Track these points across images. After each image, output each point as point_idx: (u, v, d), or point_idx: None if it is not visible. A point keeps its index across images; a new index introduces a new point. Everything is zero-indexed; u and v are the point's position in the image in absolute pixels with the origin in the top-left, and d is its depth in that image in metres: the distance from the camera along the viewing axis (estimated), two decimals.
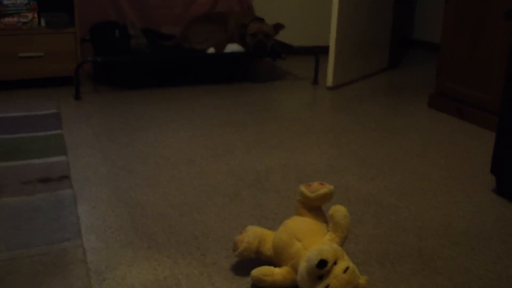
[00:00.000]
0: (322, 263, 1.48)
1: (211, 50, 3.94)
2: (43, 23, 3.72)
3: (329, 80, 3.95)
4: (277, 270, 1.63)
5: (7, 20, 3.57)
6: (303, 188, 1.69)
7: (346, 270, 1.50)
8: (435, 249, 1.88)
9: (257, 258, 1.71)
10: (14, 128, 2.94)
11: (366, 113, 3.43)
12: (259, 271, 1.62)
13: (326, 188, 1.67)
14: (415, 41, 5.80)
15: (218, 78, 4.23)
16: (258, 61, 4.81)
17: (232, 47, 3.98)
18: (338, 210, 1.61)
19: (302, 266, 1.54)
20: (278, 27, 4.05)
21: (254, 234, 1.70)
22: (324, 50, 4.13)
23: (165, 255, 1.80)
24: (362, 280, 1.53)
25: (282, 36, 4.25)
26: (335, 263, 1.50)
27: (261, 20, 4.12)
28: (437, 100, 3.53)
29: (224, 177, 2.42)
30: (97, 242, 1.86)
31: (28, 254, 1.77)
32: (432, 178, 2.48)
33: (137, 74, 4.37)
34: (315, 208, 1.70)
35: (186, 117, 3.24)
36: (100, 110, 3.34)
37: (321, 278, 1.50)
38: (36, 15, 3.65)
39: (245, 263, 1.74)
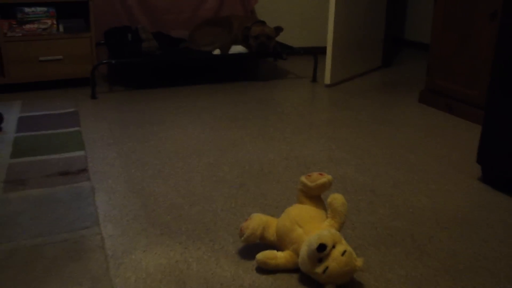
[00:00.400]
0: (321, 247, 1.48)
1: (217, 51, 3.93)
2: (61, 29, 3.72)
3: (327, 78, 3.94)
4: (280, 254, 1.64)
5: (28, 26, 3.57)
6: (303, 178, 1.70)
7: (344, 253, 1.51)
8: (426, 234, 1.88)
9: (261, 243, 1.72)
10: (36, 126, 2.95)
11: (362, 108, 3.43)
12: (263, 255, 1.63)
13: (325, 178, 1.67)
14: (406, 41, 5.78)
15: (224, 77, 4.23)
16: (261, 61, 4.81)
17: (237, 48, 3.97)
18: (336, 198, 1.62)
19: (303, 250, 1.54)
20: (278, 29, 4.02)
21: (258, 221, 1.70)
22: (322, 50, 4.12)
23: (176, 241, 1.81)
24: (359, 262, 1.53)
25: (283, 38, 4.25)
26: (333, 247, 1.51)
27: (263, 22, 4.09)
28: (427, 96, 3.52)
29: (230, 169, 2.42)
30: (114, 230, 1.87)
31: (51, 241, 1.78)
32: (424, 168, 2.48)
33: (149, 74, 4.37)
34: (315, 196, 1.70)
35: (194, 114, 3.25)
36: (115, 108, 3.35)
37: (320, 260, 1.51)
38: (54, 22, 3.65)
39: (251, 248, 1.75)
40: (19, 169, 2.36)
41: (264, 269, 1.64)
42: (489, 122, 2.21)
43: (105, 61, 3.78)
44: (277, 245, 1.69)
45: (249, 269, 1.65)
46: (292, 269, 1.62)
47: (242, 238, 1.69)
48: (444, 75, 3.35)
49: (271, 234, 1.69)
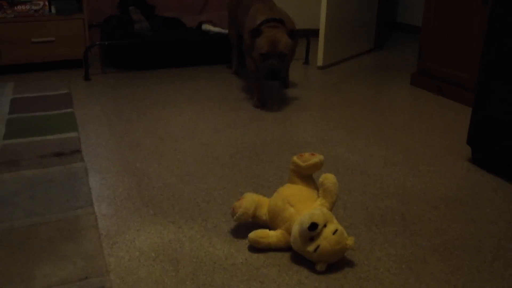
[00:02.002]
0: (313, 226, 1.50)
1: (208, 27, 3.92)
2: (53, 10, 3.68)
3: (320, 60, 3.94)
4: (272, 233, 1.65)
5: (20, 8, 3.54)
6: (295, 158, 1.70)
7: (335, 232, 1.52)
8: (416, 213, 1.90)
9: (253, 222, 1.73)
10: (30, 108, 2.94)
11: (354, 90, 3.43)
12: (255, 234, 1.64)
13: (316, 158, 1.68)
14: (399, 24, 5.77)
15: (217, 59, 4.21)
16: None
17: (207, 27, 3.96)
18: (328, 178, 1.63)
19: (295, 229, 1.56)
20: (293, 33, 2.81)
21: (250, 200, 1.71)
22: (315, 32, 4.11)
23: (169, 220, 1.82)
24: (350, 241, 1.55)
25: None
26: (325, 226, 1.53)
27: (278, 22, 2.85)
28: (418, 79, 3.53)
29: (223, 150, 2.43)
30: (108, 210, 1.88)
31: (45, 221, 1.79)
32: (414, 149, 2.49)
33: (142, 56, 4.34)
34: (307, 176, 1.71)
35: (187, 95, 3.24)
36: (108, 90, 3.34)
37: (312, 239, 1.52)
38: (46, 3, 3.61)
39: (243, 227, 1.77)
40: (13, 150, 2.36)
41: (257, 248, 1.65)
42: (479, 104, 2.23)
43: (97, 43, 3.76)
44: (269, 224, 1.70)
45: (242, 248, 1.66)
46: (284, 248, 1.64)
47: (235, 217, 1.70)
48: (435, 58, 3.36)
49: (263, 213, 1.71)
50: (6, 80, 3.47)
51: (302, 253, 1.56)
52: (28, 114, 2.82)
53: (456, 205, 1.97)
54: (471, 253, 1.66)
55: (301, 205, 1.63)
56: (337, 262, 1.57)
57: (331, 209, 1.62)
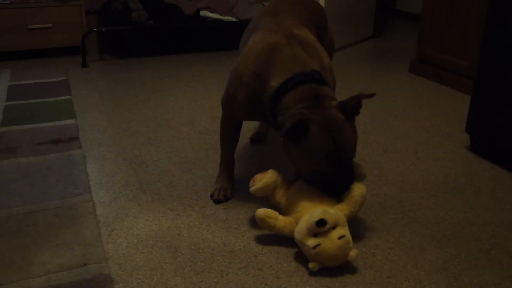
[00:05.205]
0: (321, 222, 1.45)
1: (206, 13, 3.90)
2: None
3: None
4: (281, 217, 1.59)
5: None
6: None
7: (341, 237, 1.47)
8: (414, 201, 1.90)
9: (254, 211, 1.72)
10: (27, 95, 2.92)
11: (353, 77, 3.42)
12: (265, 212, 1.58)
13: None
14: (398, 11, 5.75)
15: (215, 46, 4.19)
16: None
17: (205, 13, 3.94)
18: (359, 188, 1.59)
19: (304, 219, 1.50)
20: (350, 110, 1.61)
21: (273, 178, 1.64)
22: None
23: (168, 207, 1.82)
24: (353, 253, 1.49)
25: None
26: (334, 228, 1.47)
27: (315, 80, 1.69)
28: (417, 66, 3.52)
29: None
30: (106, 197, 1.88)
31: (43, 207, 1.78)
32: (413, 136, 2.49)
33: (139, 43, 4.33)
34: None
35: (185, 82, 3.23)
36: (106, 77, 3.32)
37: (316, 236, 1.47)
38: None
39: (241, 214, 1.77)
40: (10, 138, 2.35)
41: (255, 235, 1.65)
42: (478, 92, 2.22)
43: (95, 29, 3.73)
44: (282, 208, 1.64)
45: (240, 235, 1.66)
46: (286, 236, 1.60)
47: (252, 188, 1.64)
48: (434, 45, 3.34)
49: (280, 195, 1.65)
50: (3, 67, 3.45)
51: (301, 246, 1.51)
52: (25, 101, 2.81)
53: (454, 192, 1.97)
54: (469, 241, 1.66)
55: (320, 202, 1.57)
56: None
57: (348, 218, 1.56)
